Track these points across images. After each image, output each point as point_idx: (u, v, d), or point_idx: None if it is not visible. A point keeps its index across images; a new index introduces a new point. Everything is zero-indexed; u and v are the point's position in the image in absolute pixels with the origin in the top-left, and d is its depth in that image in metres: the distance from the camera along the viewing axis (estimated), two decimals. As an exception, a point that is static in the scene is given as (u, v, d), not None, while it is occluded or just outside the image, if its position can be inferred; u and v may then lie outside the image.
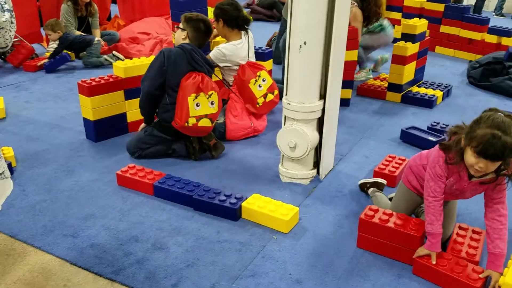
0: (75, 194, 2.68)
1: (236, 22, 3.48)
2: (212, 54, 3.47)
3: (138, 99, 3.32)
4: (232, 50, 3.47)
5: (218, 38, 3.83)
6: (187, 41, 3.05)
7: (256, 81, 3.45)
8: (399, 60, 4.15)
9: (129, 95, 3.41)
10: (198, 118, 2.96)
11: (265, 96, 3.50)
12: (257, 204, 2.42)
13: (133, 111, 3.47)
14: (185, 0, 3.61)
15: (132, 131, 3.50)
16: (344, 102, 4.09)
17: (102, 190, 2.73)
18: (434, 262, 1.99)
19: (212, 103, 3.00)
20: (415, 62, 4.34)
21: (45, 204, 2.57)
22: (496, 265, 1.91)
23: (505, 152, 1.77)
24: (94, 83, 3.22)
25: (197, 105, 2.93)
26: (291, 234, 2.34)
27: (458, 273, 1.92)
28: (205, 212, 2.49)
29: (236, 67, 3.51)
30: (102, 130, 3.35)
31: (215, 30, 3.54)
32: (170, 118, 3.00)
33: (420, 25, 4.20)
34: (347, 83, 4.04)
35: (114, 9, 7.18)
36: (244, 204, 2.44)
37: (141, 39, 6.04)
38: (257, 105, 3.48)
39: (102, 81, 3.26)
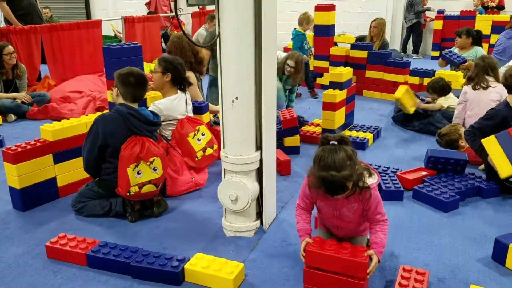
0: (0, 273, 2.44)
1: (181, 83, 3.56)
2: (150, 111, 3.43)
3: (69, 161, 3.30)
4: (169, 105, 3.46)
5: (153, 93, 3.82)
6: (120, 99, 2.98)
7: (195, 135, 3.44)
8: (329, 106, 4.33)
9: (58, 159, 3.25)
10: (141, 186, 2.87)
11: (204, 150, 3.49)
12: (200, 265, 2.32)
13: (63, 174, 3.30)
14: (120, 59, 3.58)
15: (64, 196, 3.32)
16: (294, 150, 4.19)
17: (31, 265, 2.52)
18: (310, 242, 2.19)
19: (154, 169, 2.90)
20: (344, 107, 4.54)
21: (-36, 288, 2.32)
22: (377, 249, 2.15)
23: (344, 185, 2.00)
24: (19, 149, 3.04)
25: (138, 173, 2.85)
26: (237, 293, 2.26)
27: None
28: (145, 280, 2.35)
29: (174, 122, 3.48)
30: (30, 198, 3.15)
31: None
32: (112, 180, 2.92)
33: (345, 73, 4.44)
34: (294, 130, 4.17)
35: (44, 68, 6.98)
36: (186, 266, 2.33)
37: (73, 97, 5.89)
38: (196, 159, 3.45)
39: (29, 146, 3.09)
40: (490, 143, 3.16)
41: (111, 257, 2.41)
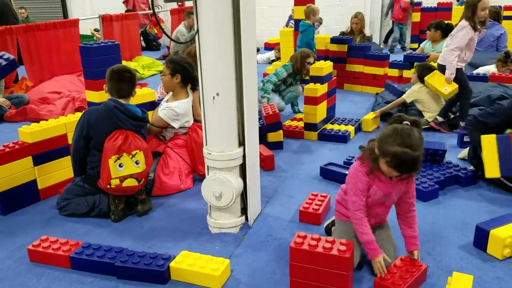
0: (-20, 279, 2.40)
1: (191, 82, 3.54)
2: (163, 114, 3.40)
3: (49, 163, 3.28)
4: (184, 108, 3.45)
5: None
6: (109, 95, 3.00)
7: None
8: (311, 101, 4.34)
9: (38, 161, 3.20)
10: (122, 179, 2.85)
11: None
12: (186, 262, 2.32)
13: (44, 177, 3.25)
14: (97, 58, 3.54)
15: (45, 199, 3.27)
16: (278, 145, 4.20)
17: (13, 269, 2.48)
18: (389, 261, 2.21)
19: (137, 163, 2.88)
20: (325, 101, 4.56)
21: None
22: (417, 245, 2.27)
23: (416, 166, 2.02)
24: (-3, 152, 2.98)
25: (120, 166, 2.83)
26: (224, 289, 2.26)
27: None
28: (131, 280, 2.33)
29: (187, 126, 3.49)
30: (10, 201, 3.09)
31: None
32: (96, 175, 2.91)
33: (326, 67, 4.46)
34: (277, 125, 4.18)
35: (21, 70, 6.83)
36: (172, 264, 2.32)
37: (51, 98, 5.79)
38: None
39: (7, 149, 3.03)
40: (489, 142, 3.14)
41: (95, 258, 2.38)
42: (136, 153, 2.88)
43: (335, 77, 4.83)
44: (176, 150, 3.46)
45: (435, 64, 4.76)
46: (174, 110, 3.41)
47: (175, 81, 3.48)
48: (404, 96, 4.78)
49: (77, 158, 3.00)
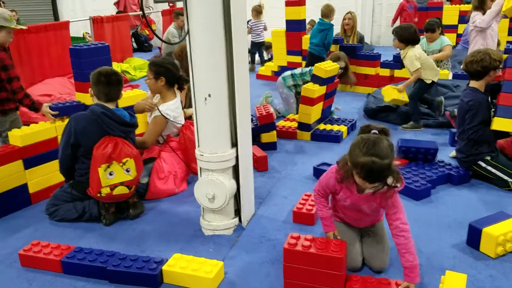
0: (-30, 285, 2.37)
1: (177, 82, 3.50)
2: (159, 122, 3.35)
3: (40, 166, 3.25)
4: (173, 109, 3.42)
5: None
6: (95, 99, 2.94)
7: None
8: (307, 101, 4.33)
9: (29, 164, 3.17)
10: (113, 187, 2.81)
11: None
12: (179, 265, 2.30)
13: (35, 180, 3.22)
14: (87, 59, 3.51)
15: (36, 202, 3.24)
16: (271, 146, 4.19)
17: (5, 274, 2.45)
18: (338, 237, 2.28)
19: (127, 170, 2.85)
20: (322, 102, 4.54)
21: None
22: (411, 277, 2.09)
23: (384, 174, 2.00)
24: (-13, 156, 2.95)
25: (110, 174, 2.79)
26: (217, 292, 2.25)
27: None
28: (123, 284, 2.31)
29: (179, 126, 3.46)
30: (1, 205, 3.06)
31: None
32: (85, 181, 2.87)
33: (330, 69, 4.36)
34: (270, 126, 4.16)
35: (10, 72, 6.75)
36: (164, 267, 2.30)
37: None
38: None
39: (-3, 153, 3.00)
40: (500, 123, 3.20)
41: (87, 263, 2.36)
42: (127, 160, 2.83)
43: (337, 80, 4.77)
44: (170, 153, 3.43)
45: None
46: (169, 114, 3.38)
47: (160, 84, 3.43)
48: (416, 66, 4.47)
49: (65, 166, 2.95)
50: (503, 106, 3.22)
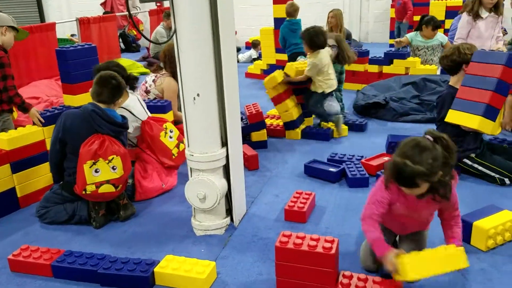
0: (-42, 292, 2.33)
1: (127, 82, 3.39)
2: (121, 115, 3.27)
3: (28, 170, 3.23)
4: (129, 110, 3.35)
5: None
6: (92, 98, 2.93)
7: (165, 133, 3.37)
8: (277, 99, 4.33)
9: (16, 168, 3.12)
10: (98, 185, 2.78)
11: (177, 146, 3.44)
12: (171, 267, 2.28)
13: (23, 184, 3.18)
14: (74, 61, 3.47)
15: (25, 207, 3.20)
16: (262, 145, 4.18)
17: (-7, 280, 2.41)
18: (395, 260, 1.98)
19: (113, 168, 2.83)
20: (292, 97, 4.48)
21: None
22: (455, 238, 2.13)
23: (415, 180, 1.89)
24: (-28, 160, 2.90)
25: (96, 171, 2.77)
26: (210, 292, 2.24)
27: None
28: (115, 287, 2.29)
29: (138, 125, 3.39)
30: (-11, 211, 3.02)
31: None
32: (73, 181, 2.85)
33: (301, 69, 4.39)
34: (260, 124, 4.15)
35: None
36: (156, 269, 2.28)
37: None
38: (173, 156, 3.40)
39: (-17, 157, 2.95)
40: (452, 115, 3.18)
41: (77, 266, 2.33)
42: (113, 158, 2.81)
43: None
44: (148, 151, 3.41)
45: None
46: (124, 115, 3.26)
47: None
48: (308, 71, 4.28)
49: (53, 161, 2.94)
50: (459, 99, 3.18)
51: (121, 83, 2.93)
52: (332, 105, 4.41)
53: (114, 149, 2.83)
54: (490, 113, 3.07)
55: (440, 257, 2.02)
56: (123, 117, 2.99)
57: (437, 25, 5.80)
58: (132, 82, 3.42)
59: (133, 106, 3.39)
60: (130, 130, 3.31)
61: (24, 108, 3.42)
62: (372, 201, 2.11)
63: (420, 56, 5.98)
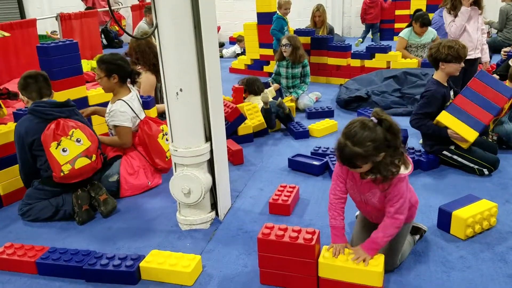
0: None
1: (130, 77, 3.45)
2: (114, 123, 3.30)
3: (10, 168, 3.18)
4: (129, 105, 3.34)
5: None
6: (30, 103, 2.97)
7: (163, 135, 3.38)
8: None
9: (-2, 166, 3.10)
10: (72, 162, 2.82)
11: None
12: (156, 261, 2.30)
13: (5, 182, 3.16)
14: (55, 57, 3.44)
15: (8, 205, 3.18)
16: (248, 138, 4.21)
17: (-23, 279, 2.39)
18: (343, 253, 2.11)
19: (78, 141, 2.87)
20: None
21: None
22: (366, 246, 2.10)
23: (352, 161, 1.96)
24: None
25: (64, 151, 2.80)
26: (196, 285, 2.26)
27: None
28: (100, 282, 2.29)
29: (135, 121, 3.39)
30: (-30, 210, 2.98)
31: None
32: (50, 173, 2.87)
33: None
34: (240, 119, 4.16)
35: (-25, 73, 6.56)
36: (142, 264, 2.29)
37: (11, 102, 5.57)
38: (166, 159, 3.40)
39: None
40: (445, 117, 3.29)
41: (62, 263, 2.33)
42: (73, 132, 2.86)
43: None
44: (137, 148, 3.41)
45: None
46: (119, 111, 3.29)
47: (113, 82, 3.33)
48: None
49: (27, 172, 2.98)
50: (455, 105, 3.33)
51: (47, 75, 3.05)
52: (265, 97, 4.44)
53: (71, 124, 2.88)
54: (483, 130, 3.37)
55: (357, 269, 2.06)
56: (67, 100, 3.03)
57: (425, 22, 5.81)
58: (134, 76, 3.48)
59: (133, 102, 3.40)
60: (130, 124, 3.33)
61: (13, 94, 3.43)
62: (333, 177, 2.23)
63: (412, 52, 6.03)
